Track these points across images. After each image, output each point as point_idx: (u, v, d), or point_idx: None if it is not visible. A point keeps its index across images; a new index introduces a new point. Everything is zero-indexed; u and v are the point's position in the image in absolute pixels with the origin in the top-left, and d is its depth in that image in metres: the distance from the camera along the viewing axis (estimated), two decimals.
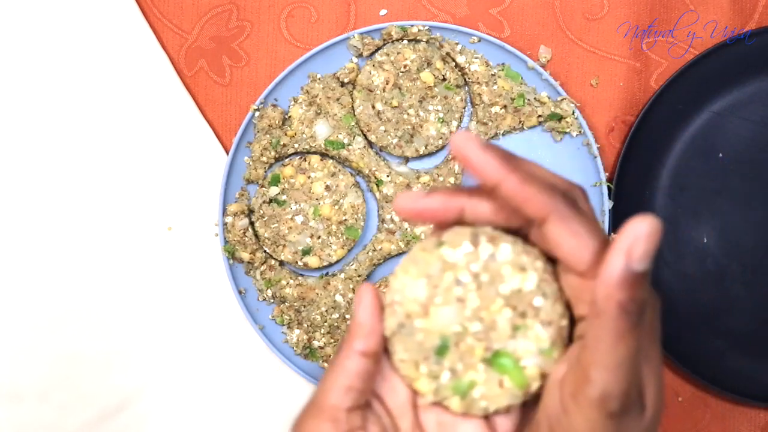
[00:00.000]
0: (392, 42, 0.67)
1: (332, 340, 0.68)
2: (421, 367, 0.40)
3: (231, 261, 0.67)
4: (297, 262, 0.67)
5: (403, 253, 0.68)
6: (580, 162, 0.68)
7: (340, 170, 0.67)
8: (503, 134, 0.68)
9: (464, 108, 0.68)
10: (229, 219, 0.67)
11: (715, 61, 0.67)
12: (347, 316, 0.68)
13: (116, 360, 0.68)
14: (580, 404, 0.33)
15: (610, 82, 0.69)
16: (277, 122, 0.67)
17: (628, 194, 0.67)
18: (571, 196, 0.37)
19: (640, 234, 0.32)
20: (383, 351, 0.40)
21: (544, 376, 0.39)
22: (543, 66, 0.68)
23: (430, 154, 0.68)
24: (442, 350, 0.39)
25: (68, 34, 0.69)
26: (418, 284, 0.39)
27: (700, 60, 0.66)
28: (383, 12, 0.69)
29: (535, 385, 0.39)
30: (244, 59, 0.70)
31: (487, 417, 0.41)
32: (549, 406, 0.36)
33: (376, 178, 0.67)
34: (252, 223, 0.67)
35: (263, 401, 0.69)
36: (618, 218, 0.67)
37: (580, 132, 0.67)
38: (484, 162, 0.36)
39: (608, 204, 0.67)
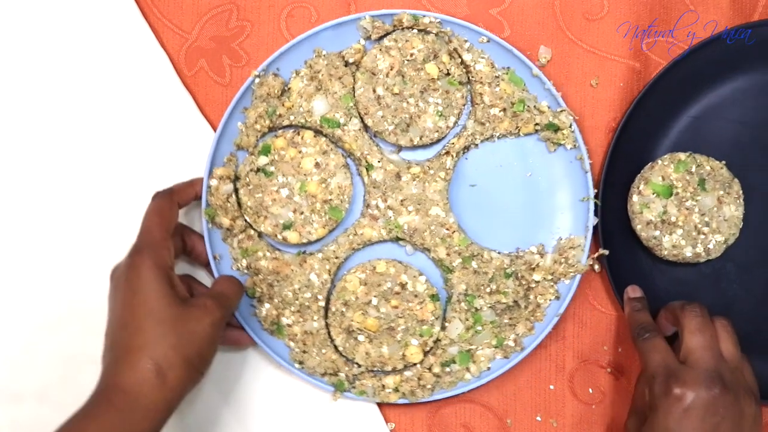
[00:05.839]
0: (402, 29, 0.66)
1: (301, 319, 0.67)
2: None
3: (210, 225, 0.66)
4: (276, 236, 0.66)
5: (385, 241, 0.68)
6: (572, 175, 0.68)
7: (332, 149, 0.66)
8: (499, 137, 0.68)
9: (464, 105, 0.67)
10: (213, 182, 0.66)
11: (688, 67, 0.67)
12: (319, 297, 0.67)
13: None
14: None
15: (610, 83, 0.69)
16: (276, 91, 0.66)
17: (612, 207, 0.67)
18: None
19: None
20: None
21: None
22: (542, 66, 0.68)
23: (424, 146, 0.68)
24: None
25: (68, 34, 0.68)
26: None
27: (672, 67, 0.66)
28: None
29: None
30: (244, 59, 0.69)
31: None
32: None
33: (367, 162, 0.67)
34: (236, 190, 0.66)
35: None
36: (605, 231, 0.67)
37: (574, 145, 0.67)
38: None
39: (593, 220, 0.67)
